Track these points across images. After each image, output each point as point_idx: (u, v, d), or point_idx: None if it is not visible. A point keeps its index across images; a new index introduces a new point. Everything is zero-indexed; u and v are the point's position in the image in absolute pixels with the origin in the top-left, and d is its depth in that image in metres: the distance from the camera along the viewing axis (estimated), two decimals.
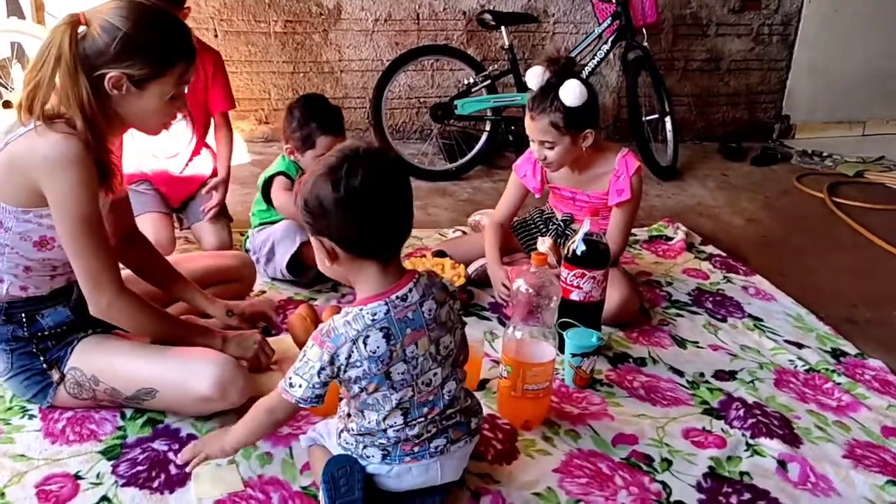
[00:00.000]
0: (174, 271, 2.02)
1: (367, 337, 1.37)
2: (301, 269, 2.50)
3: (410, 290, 1.42)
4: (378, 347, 1.37)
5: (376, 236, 1.37)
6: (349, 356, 1.37)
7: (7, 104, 3.35)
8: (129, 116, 1.69)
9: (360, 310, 1.39)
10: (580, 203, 2.52)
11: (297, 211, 1.41)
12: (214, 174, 2.89)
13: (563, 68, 2.30)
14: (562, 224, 2.58)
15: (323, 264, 1.44)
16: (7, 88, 3.45)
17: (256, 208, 2.64)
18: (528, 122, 2.34)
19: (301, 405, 1.42)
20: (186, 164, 2.83)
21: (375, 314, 1.38)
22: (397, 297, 1.40)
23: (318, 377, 1.38)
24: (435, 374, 1.45)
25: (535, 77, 2.31)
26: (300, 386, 1.40)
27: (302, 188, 1.38)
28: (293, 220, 2.48)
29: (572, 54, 3.83)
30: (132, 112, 1.68)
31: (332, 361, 1.37)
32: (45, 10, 3.78)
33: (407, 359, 1.40)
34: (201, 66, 2.70)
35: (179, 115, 2.63)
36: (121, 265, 1.79)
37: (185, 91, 1.74)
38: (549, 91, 2.27)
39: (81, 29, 1.59)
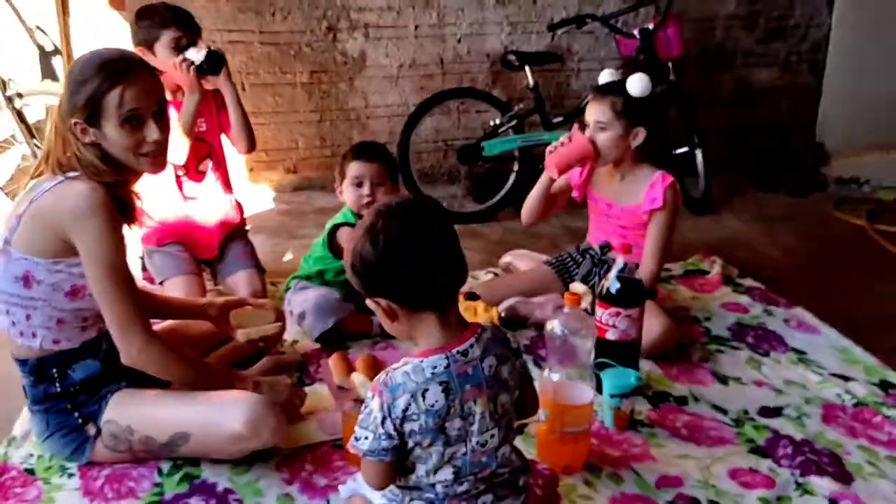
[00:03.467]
0: (181, 302, 2.20)
1: (426, 390, 1.34)
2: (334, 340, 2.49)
3: (472, 346, 1.40)
4: (436, 401, 1.35)
5: (426, 285, 1.36)
6: (406, 408, 1.34)
7: None
8: (115, 156, 1.71)
9: (421, 362, 1.37)
10: (614, 219, 2.56)
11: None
12: (243, 223, 2.91)
13: (634, 70, 2.48)
14: (598, 252, 2.57)
15: (386, 326, 1.44)
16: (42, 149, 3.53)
17: (316, 254, 2.63)
18: (588, 107, 2.46)
19: (370, 458, 1.38)
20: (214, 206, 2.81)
21: (435, 367, 1.36)
22: (458, 352, 1.38)
23: (383, 427, 1.35)
24: (493, 436, 1.42)
25: (607, 76, 2.50)
26: (366, 438, 1.37)
27: (346, 255, 1.39)
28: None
29: None
30: (112, 152, 1.71)
31: (390, 412, 1.34)
32: None
33: (464, 414, 1.38)
34: (211, 99, 2.72)
35: (206, 162, 2.71)
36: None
37: (149, 112, 1.72)
38: (616, 82, 2.44)
39: None
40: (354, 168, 2.49)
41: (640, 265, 2.42)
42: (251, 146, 2.77)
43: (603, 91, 2.44)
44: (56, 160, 1.69)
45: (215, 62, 2.56)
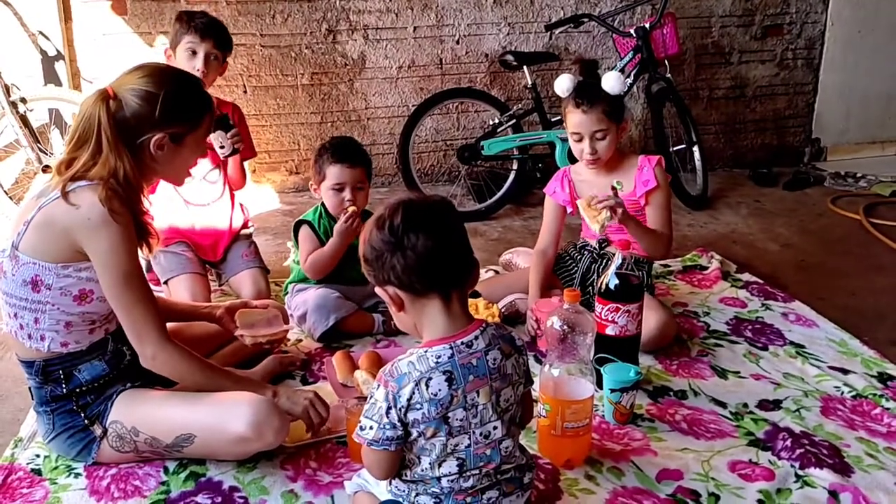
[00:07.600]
0: (187, 305, 2.23)
1: (430, 379, 1.37)
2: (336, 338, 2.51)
3: (476, 338, 1.43)
4: (440, 390, 1.37)
5: (429, 268, 1.39)
6: (410, 397, 1.37)
7: (46, 169, 3.44)
8: (164, 170, 1.81)
9: (425, 351, 1.40)
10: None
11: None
12: (245, 225, 2.94)
13: (590, 67, 2.55)
14: (597, 248, 2.58)
15: (394, 316, 1.48)
16: (46, 154, 3.55)
17: (297, 256, 2.64)
18: (577, 118, 2.45)
19: (374, 448, 1.41)
20: (221, 213, 2.85)
21: (439, 357, 1.39)
22: (462, 343, 1.41)
23: (387, 417, 1.38)
24: (495, 428, 1.44)
25: (566, 81, 2.48)
26: (370, 428, 1.40)
27: (360, 248, 1.45)
28: (310, 272, 2.54)
29: None
30: (169, 166, 1.80)
31: (395, 401, 1.37)
32: (81, 77, 3.90)
33: (467, 405, 1.40)
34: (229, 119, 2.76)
35: (215, 171, 2.75)
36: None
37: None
38: (590, 85, 2.45)
39: (112, 103, 1.70)
40: (335, 173, 2.47)
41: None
42: (243, 186, 2.93)
43: (588, 101, 2.43)
44: (77, 169, 1.68)
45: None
